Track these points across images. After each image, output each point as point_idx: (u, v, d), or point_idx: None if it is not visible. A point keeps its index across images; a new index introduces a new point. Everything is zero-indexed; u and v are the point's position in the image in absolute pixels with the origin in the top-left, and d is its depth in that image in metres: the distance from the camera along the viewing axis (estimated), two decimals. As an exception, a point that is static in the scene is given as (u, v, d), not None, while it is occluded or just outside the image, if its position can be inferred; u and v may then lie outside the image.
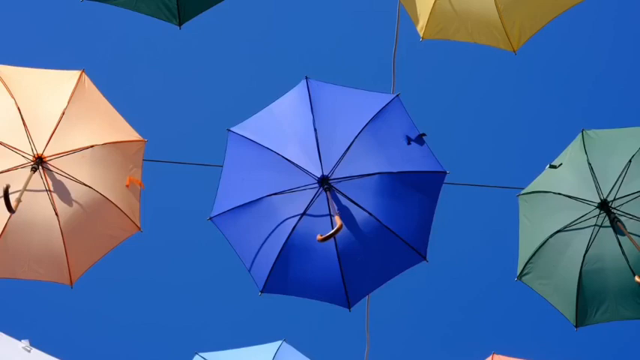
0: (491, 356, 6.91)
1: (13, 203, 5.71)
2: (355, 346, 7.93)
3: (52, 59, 6.92)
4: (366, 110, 6.27)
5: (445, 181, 6.30)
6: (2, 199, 5.68)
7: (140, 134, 6.58)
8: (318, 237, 5.81)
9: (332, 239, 6.08)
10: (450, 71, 11.12)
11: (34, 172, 6.16)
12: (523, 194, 6.91)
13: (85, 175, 6.34)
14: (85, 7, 6.47)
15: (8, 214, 5.85)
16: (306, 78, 6.31)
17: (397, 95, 6.38)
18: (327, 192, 6.16)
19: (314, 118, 6.19)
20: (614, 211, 6.65)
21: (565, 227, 6.72)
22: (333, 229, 5.92)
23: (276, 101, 6.42)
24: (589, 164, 6.64)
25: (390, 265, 6.38)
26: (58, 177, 6.31)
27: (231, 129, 6.35)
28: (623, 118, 10.57)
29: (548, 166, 6.78)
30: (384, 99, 6.35)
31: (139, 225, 6.55)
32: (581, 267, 6.68)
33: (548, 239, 6.75)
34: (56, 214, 6.29)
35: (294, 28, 11.39)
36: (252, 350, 7.22)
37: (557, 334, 9.53)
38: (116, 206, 6.42)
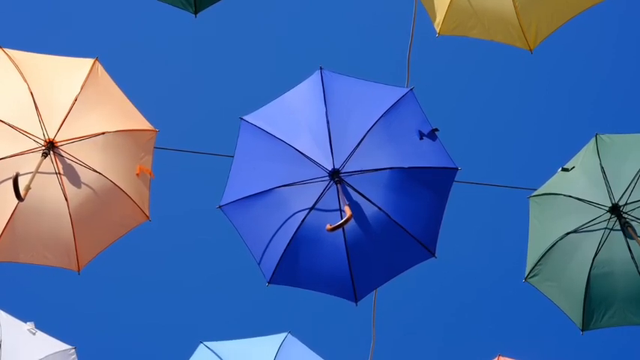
0: (497, 358, 6.90)
1: (22, 192, 5.71)
2: (361, 341, 7.92)
3: (66, 46, 6.94)
4: (380, 103, 6.23)
5: (456, 180, 6.26)
6: (12, 186, 5.68)
7: (152, 124, 6.57)
8: (328, 226, 5.81)
9: (341, 232, 6.07)
10: (464, 69, 11.08)
11: (45, 157, 6.15)
12: (534, 196, 6.87)
13: (96, 162, 6.33)
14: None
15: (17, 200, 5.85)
16: (321, 68, 6.28)
17: (411, 89, 6.34)
18: (338, 185, 6.13)
19: (327, 110, 6.16)
20: (625, 216, 6.60)
21: (575, 230, 6.68)
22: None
23: (289, 91, 6.39)
24: (601, 167, 6.59)
25: (398, 260, 6.36)
26: (69, 162, 6.29)
27: (244, 117, 6.34)
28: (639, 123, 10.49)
29: (560, 169, 6.74)
30: (397, 92, 6.30)
31: (148, 214, 6.55)
32: (590, 270, 6.63)
33: (557, 242, 6.71)
34: (66, 199, 6.28)
35: (310, 20, 11.37)
36: (257, 341, 7.24)
37: (563, 338, 9.49)
38: (126, 194, 6.41)
